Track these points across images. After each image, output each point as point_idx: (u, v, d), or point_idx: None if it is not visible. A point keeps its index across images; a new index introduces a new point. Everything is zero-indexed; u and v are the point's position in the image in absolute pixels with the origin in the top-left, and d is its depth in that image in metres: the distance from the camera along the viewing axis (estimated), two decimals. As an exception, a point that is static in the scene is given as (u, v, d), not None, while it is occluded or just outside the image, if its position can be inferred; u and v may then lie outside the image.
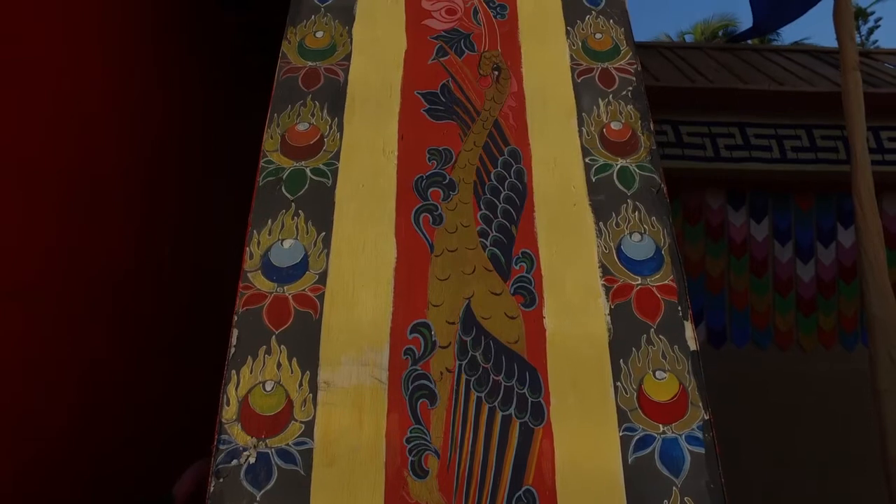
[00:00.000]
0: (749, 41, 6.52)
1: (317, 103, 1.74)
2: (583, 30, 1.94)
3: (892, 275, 4.35)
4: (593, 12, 1.98)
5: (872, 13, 20.29)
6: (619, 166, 1.65)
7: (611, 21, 1.96)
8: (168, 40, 3.39)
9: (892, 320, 3.39)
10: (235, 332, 1.42)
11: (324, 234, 1.53)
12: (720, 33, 20.03)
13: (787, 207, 4.36)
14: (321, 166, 1.62)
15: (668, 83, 4.00)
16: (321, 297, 1.45)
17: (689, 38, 20.35)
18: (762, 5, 4.61)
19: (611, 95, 1.79)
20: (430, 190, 1.60)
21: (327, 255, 1.50)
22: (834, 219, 4.37)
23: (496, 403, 1.36)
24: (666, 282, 1.50)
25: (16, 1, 2.27)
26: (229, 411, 1.34)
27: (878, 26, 20.05)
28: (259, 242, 1.52)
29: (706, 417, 1.36)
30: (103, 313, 2.67)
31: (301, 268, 1.49)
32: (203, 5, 3.89)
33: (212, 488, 1.28)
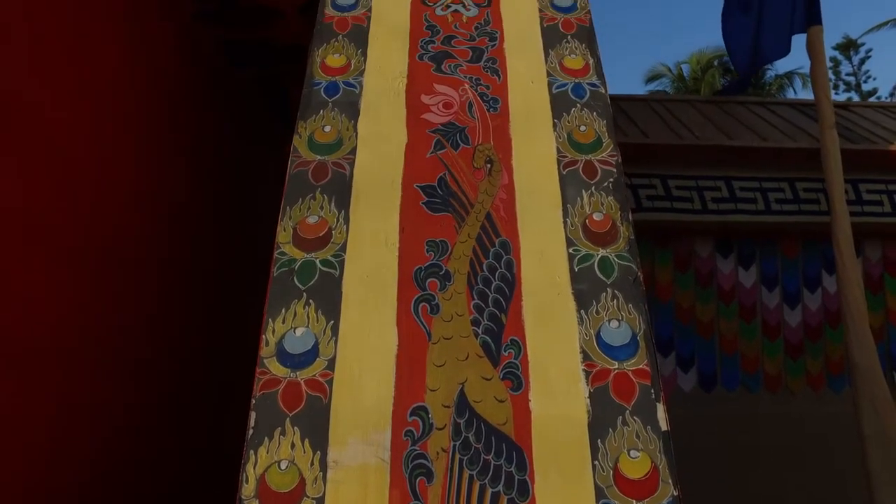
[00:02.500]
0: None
1: (325, 196, 1.91)
2: (568, 122, 2.11)
3: (878, 318, 4.52)
4: (578, 105, 2.16)
5: (863, 44, 20.68)
6: (599, 256, 1.82)
7: (594, 113, 2.14)
8: (183, 102, 3.59)
9: (874, 368, 3.53)
10: (253, 415, 1.57)
11: (332, 322, 1.69)
12: (715, 63, 20.41)
13: (774, 255, 4.52)
14: (329, 258, 1.79)
15: (657, 139, 4.20)
16: (330, 382, 1.61)
17: (685, 68, 20.76)
18: (741, 59, 4.80)
19: (593, 187, 1.96)
20: (428, 280, 1.76)
21: (335, 342, 1.67)
22: (819, 265, 4.52)
23: (486, 481, 1.51)
24: (641, 366, 1.66)
25: (43, 80, 2.46)
26: (248, 488, 1.49)
27: (868, 57, 20.43)
28: (274, 330, 1.68)
29: (675, 493, 1.51)
30: (120, 371, 2.83)
31: (312, 354, 1.65)
32: (214, 63, 4.09)
33: (233, 561, 1.43)
